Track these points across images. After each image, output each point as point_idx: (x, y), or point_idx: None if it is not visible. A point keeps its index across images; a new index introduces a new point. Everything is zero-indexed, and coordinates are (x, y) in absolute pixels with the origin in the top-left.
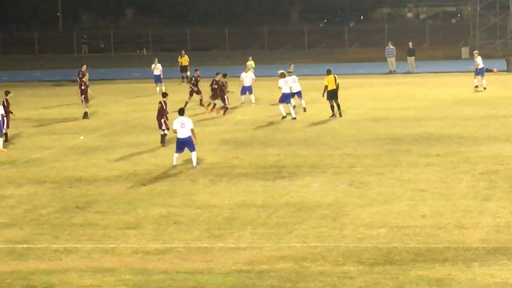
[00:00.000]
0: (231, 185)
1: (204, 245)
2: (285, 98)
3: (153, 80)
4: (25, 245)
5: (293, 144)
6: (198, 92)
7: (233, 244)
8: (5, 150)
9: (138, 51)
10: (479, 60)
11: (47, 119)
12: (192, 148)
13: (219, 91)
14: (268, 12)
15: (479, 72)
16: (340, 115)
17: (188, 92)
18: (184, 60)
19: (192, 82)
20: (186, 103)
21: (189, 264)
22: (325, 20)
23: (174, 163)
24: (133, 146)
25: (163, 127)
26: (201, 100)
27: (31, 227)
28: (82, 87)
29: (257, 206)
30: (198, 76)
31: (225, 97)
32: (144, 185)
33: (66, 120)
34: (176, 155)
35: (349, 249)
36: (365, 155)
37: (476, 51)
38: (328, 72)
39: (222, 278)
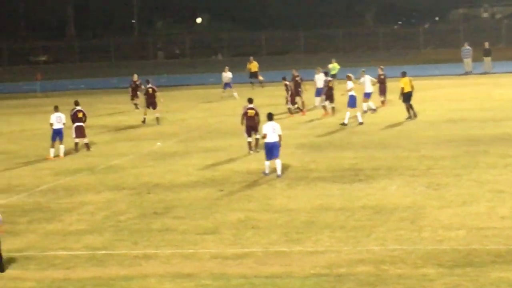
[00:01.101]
0: (308, 189)
1: (283, 249)
2: (353, 102)
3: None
4: (104, 251)
5: (370, 147)
6: (297, 94)
7: (311, 247)
8: (53, 158)
9: (213, 56)
10: None
11: (124, 125)
12: (277, 153)
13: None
14: (343, 15)
15: None
16: (415, 115)
17: (292, 94)
18: (253, 66)
19: (296, 82)
20: (299, 104)
21: (267, 269)
22: (400, 22)
23: (266, 170)
24: (210, 151)
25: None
26: (303, 102)
27: (110, 233)
28: (155, 92)
29: (334, 209)
30: (297, 76)
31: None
32: (222, 190)
33: (142, 126)
34: (267, 162)
35: (428, 252)
36: (443, 157)
37: None
38: (403, 75)
39: (301, 282)
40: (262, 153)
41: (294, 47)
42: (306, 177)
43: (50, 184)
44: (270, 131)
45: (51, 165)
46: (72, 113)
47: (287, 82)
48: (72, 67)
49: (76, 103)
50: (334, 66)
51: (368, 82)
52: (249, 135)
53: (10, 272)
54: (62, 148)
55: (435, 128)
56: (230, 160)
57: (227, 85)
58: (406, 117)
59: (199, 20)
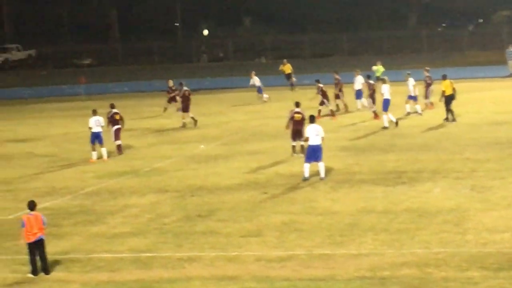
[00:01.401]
0: (351, 191)
1: (326, 252)
2: (385, 105)
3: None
4: (149, 254)
5: (413, 149)
6: (338, 97)
7: (355, 250)
8: (95, 160)
9: (256, 59)
10: None
11: (167, 128)
12: (320, 156)
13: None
14: (386, 17)
15: None
16: (454, 119)
17: (334, 97)
18: (287, 68)
19: (336, 85)
20: (340, 106)
21: (311, 271)
22: (444, 24)
23: (306, 174)
24: (253, 154)
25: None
26: (346, 105)
27: (154, 236)
28: (190, 95)
29: (378, 212)
30: (337, 79)
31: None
32: (265, 192)
33: (185, 129)
34: (307, 165)
35: (472, 254)
36: (487, 159)
37: None
38: (444, 77)
39: (345, 285)
40: None
41: (337, 50)
42: (349, 179)
43: (94, 186)
44: (313, 133)
45: (94, 168)
46: (109, 116)
47: (320, 85)
48: (116, 70)
49: (112, 106)
50: (378, 68)
51: (411, 86)
52: (294, 139)
53: (55, 274)
54: (104, 150)
55: (479, 130)
56: (273, 163)
57: (259, 89)
58: (451, 120)
59: (205, 32)
